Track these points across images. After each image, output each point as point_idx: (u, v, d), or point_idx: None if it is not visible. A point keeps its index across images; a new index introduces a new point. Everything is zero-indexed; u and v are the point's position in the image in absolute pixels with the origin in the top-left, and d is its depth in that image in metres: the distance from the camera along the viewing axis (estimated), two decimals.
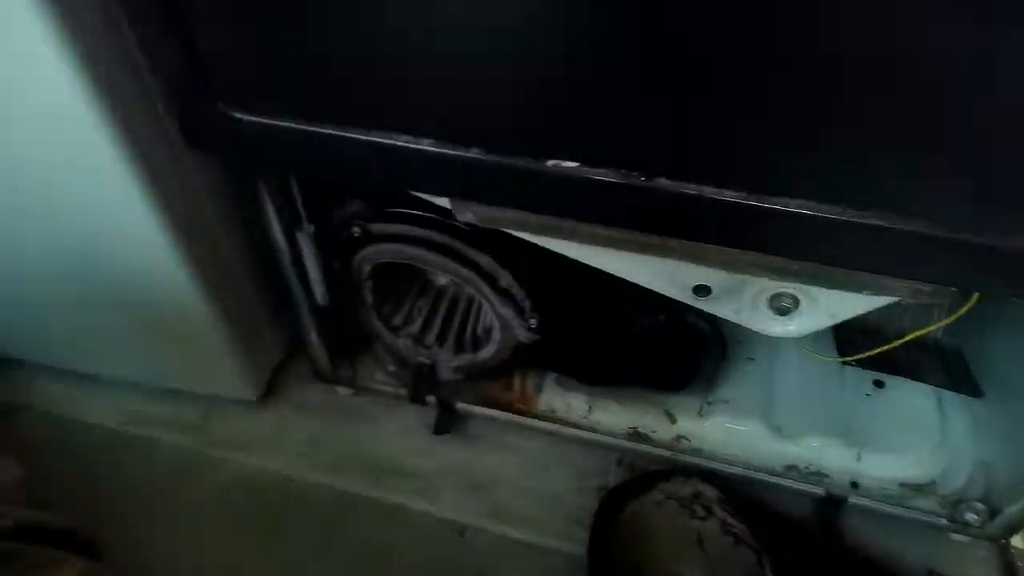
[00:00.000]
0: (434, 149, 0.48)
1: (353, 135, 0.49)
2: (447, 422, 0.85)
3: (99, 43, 0.52)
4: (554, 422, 0.85)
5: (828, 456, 0.80)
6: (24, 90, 0.54)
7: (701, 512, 0.76)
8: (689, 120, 0.44)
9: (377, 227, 0.70)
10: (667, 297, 0.73)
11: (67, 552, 0.65)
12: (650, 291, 0.72)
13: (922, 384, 0.82)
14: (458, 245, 0.69)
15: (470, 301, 0.82)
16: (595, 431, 0.84)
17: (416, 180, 0.52)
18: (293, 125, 0.50)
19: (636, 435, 0.84)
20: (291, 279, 0.73)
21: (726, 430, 0.82)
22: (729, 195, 0.46)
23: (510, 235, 0.61)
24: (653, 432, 0.84)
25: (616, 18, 0.40)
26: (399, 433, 0.88)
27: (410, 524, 0.81)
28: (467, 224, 0.58)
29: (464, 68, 0.44)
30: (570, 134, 0.45)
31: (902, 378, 0.82)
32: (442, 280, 0.84)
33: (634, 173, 0.46)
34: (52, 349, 0.88)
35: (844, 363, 0.85)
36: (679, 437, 0.83)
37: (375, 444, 0.87)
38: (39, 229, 0.68)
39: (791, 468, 0.80)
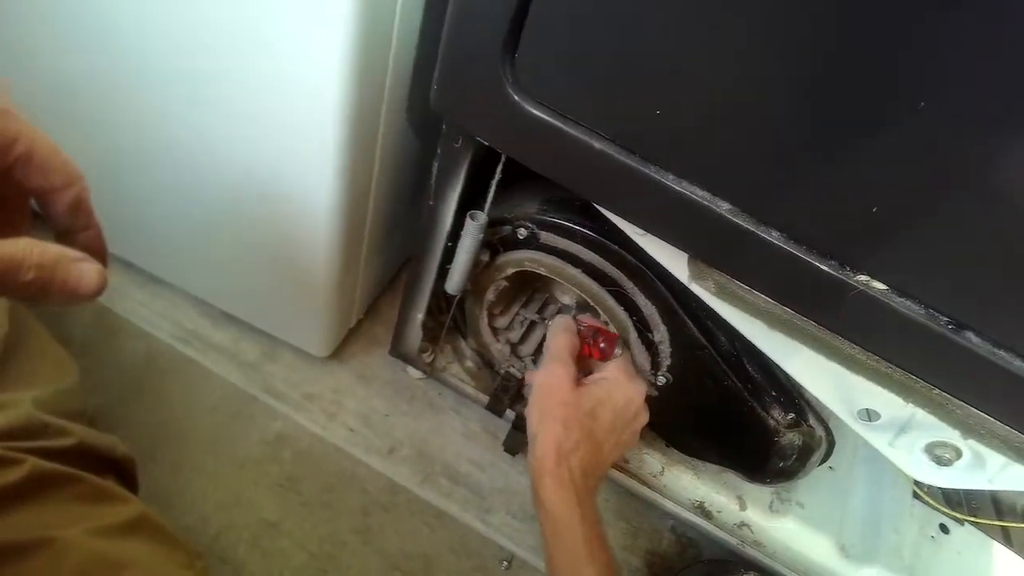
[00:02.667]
0: (727, 216, 0.43)
1: (645, 171, 0.44)
2: (519, 442, 0.80)
3: None
4: (623, 473, 0.81)
5: None
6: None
7: None
8: (1015, 287, 0.40)
9: (547, 236, 0.65)
10: (802, 398, 0.70)
11: (124, 487, 0.58)
12: (789, 388, 0.70)
13: (986, 539, 0.82)
14: (628, 285, 0.64)
15: None
16: (661, 493, 0.81)
17: (679, 232, 0.47)
18: (584, 136, 0.44)
19: (701, 509, 0.81)
20: (431, 257, 0.67)
21: (794, 533, 0.80)
22: (1017, 364, 0.42)
23: (685, 294, 0.56)
24: (719, 512, 0.81)
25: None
26: (461, 435, 0.83)
27: (455, 536, 0.76)
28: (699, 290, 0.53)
29: (818, 157, 0.39)
30: (897, 257, 0.41)
31: (968, 529, 0.82)
32: (566, 299, 0.79)
33: (943, 318, 0.42)
34: (122, 237, 0.79)
35: (916, 496, 0.85)
36: (743, 524, 0.81)
37: (434, 440, 0.82)
38: (212, 131, 0.61)
39: None
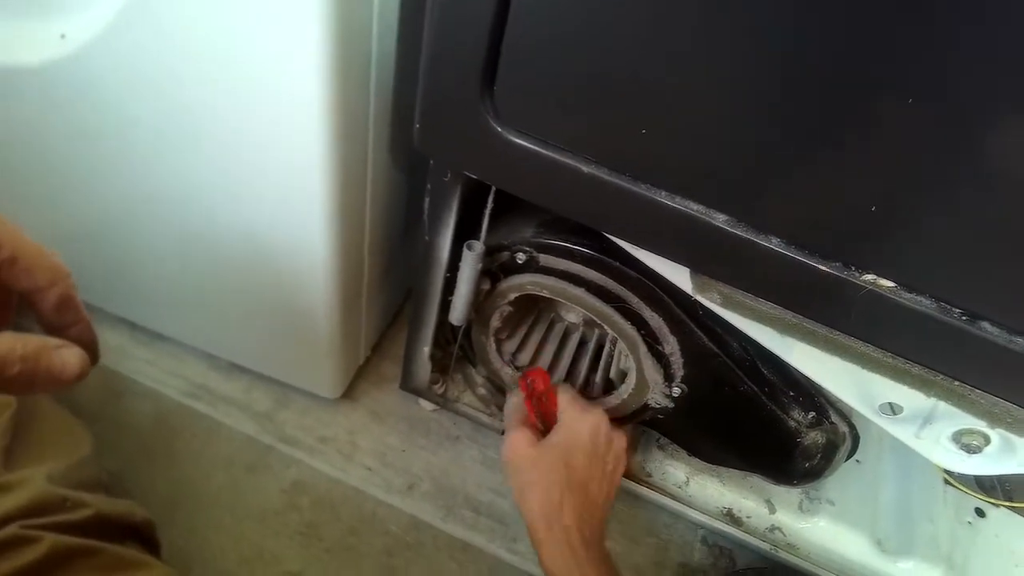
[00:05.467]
0: (724, 227, 0.42)
1: (636, 190, 0.43)
2: None
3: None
4: (647, 487, 0.80)
5: None
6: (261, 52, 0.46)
7: None
8: None
9: (546, 258, 0.64)
10: (820, 395, 0.69)
11: (147, 552, 0.58)
12: (806, 387, 0.68)
13: (1020, 521, 0.81)
14: (632, 299, 0.63)
15: (598, 347, 0.76)
16: (688, 504, 0.80)
17: (679, 249, 0.46)
18: (571, 161, 0.43)
19: (730, 516, 0.80)
20: (432, 291, 0.66)
21: (827, 532, 0.78)
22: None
23: (692, 303, 0.55)
24: (748, 517, 0.80)
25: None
26: (480, 463, 0.82)
27: (483, 569, 0.75)
28: (700, 299, 0.52)
29: (808, 161, 0.39)
30: (902, 253, 0.40)
31: (1004, 511, 0.81)
32: (571, 318, 0.78)
33: (956, 310, 0.41)
34: (123, 297, 0.79)
35: (947, 482, 0.83)
36: (774, 528, 0.79)
37: (453, 471, 0.81)
38: (201, 187, 0.61)
39: None
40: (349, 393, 0.84)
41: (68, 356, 0.29)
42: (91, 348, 0.32)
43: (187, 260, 0.69)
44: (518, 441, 0.64)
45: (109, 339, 0.82)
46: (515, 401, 0.70)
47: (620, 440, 0.67)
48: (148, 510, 0.61)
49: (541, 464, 0.61)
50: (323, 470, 0.78)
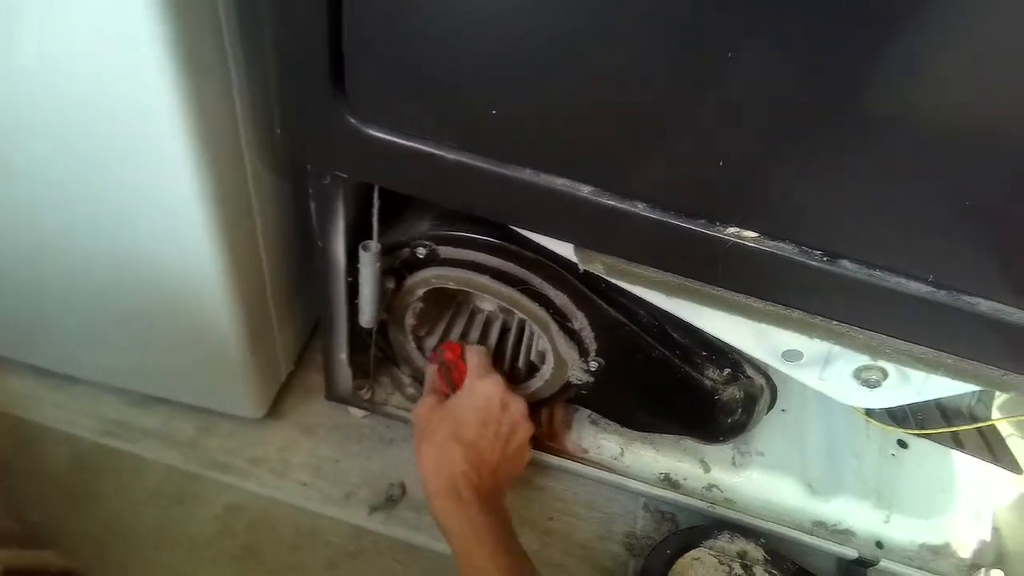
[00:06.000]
0: (591, 197, 0.43)
1: (500, 170, 0.43)
2: None
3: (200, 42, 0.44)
4: (584, 463, 0.81)
5: (857, 516, 0.79)
6: (104, 71, 0.45)
7: (739, 570, 0.74)
8: (884, 204, 0.40)
9: (446, 250, 0.64)
10: (733, 351, 0.71)
11: None
12: (718, 345, 0.70)
13: (943, 447, 0.84)
14: (535, 280, 0.64)
15: (519, 332, 0.77)
16: (626, 475, 0.81)
17: (554, 224, 0.46)
18: (435, 150, 0.43)
19: (668, 481, 0.81)
20: (336, 297, 0.66)
21: (760, 483, 0.80)
22: (894, 280, 0.43)
23: (594, 277, 0.56)
24: (685, 479, 0.81)
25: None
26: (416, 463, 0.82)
27: (429, 567, 0.74)
28: (584, 270, 0.53)
29: (658, 122, 0.39)
30: (760, 203, 0.41)
31: (924, 440, 0.84)
32: (488, 306, 0.78)
33: (816, 252, 0.42)
34: (25, 342, 0.76)
35: (868, 421, 0.86)
36: (711, 486, 0.81)
37: (390, 474, 0.80)
38: (83, 226, 0.59)
39: (819, 525, 0.80)
40: (275, 410, 0.82)
41: None
42: None
43: (84, 297, 0.67)
44: (422, 405, 0.68)
45: (14, 387, 0.79)
46: (429, 370, 0.73)
47: (517, 405, 0.68)
48: (76, 555, 0.60)
49: (436, 423, 0.65)
50: (256, 491, 0.76)
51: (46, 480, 0.73)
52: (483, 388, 0.67)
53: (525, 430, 0.68)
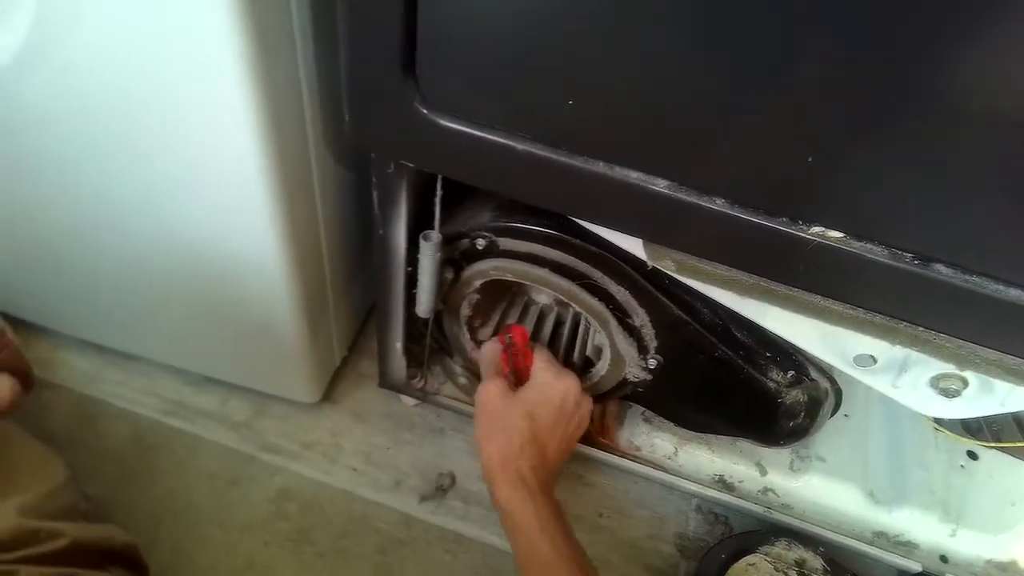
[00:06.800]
0: (667, 192, 0.41)
1: (572, 162, 0.42)
2: None
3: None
4: (636, 461, 0.79)
5: (921, 528, 0.76)
6: (173, 52, 0.45)
7: None
8: (984, 206, 0.38)
9: (505, 242, 0.63)
10: (798, 353, 0.68)
11: (127, 573, 0.57)
12: (783, 346, 0.68)
13: (1016, 460, 0.80)
14: (596, 275, 0.62)
15: (573, 326, 0.75)
16: (679, 475, 0.79)
17: (625, 219, 0.45)
18: (505, 140, 0.42)
19: (722, 483, 0.79)
20: (394, 286, 0.65)
21: (819, 489, 0.78)
22: (991, 287, 0.40)
23: (657, 273, 0.54)
24: (740, 482, 0.79)
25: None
26: (466, 453, 0.82)
27: (477, 558, 0.74)
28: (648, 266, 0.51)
29: (741, 114, 0.37)
30: (848, 202, 0.39)
31: (995, 452, 0.80)
32: (543, 299, 0.77)
33: (907, 255, 0.40)
34: (88, 321, 0.78)
35: (937, 429, 0.83)
36: (767, 490, 0.79)
37: (440, 464, 0.80)
38: (146, 206, 0.60)
39: (880, 535, 0.77)
40: (329, 395, 0.83)
41: None
42: (22, 374, 0.31)
43: (146, 278, 0.68)
44: (494, 388, 0.66)
45: (77, 364, 0.81)
46: (491, 349, 0.71)
47: (587, 405, 0.69)
48: (132, 531, 0.61)
49: (510, 413, 0.64)
50: (308, 475, 0.77)
51: (106, 456, 0.75)
52: (562, 386, 0.67)
53: (586, 426, 0.69)
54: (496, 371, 0.69)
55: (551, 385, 0.66)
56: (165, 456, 0.76)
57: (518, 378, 0.69)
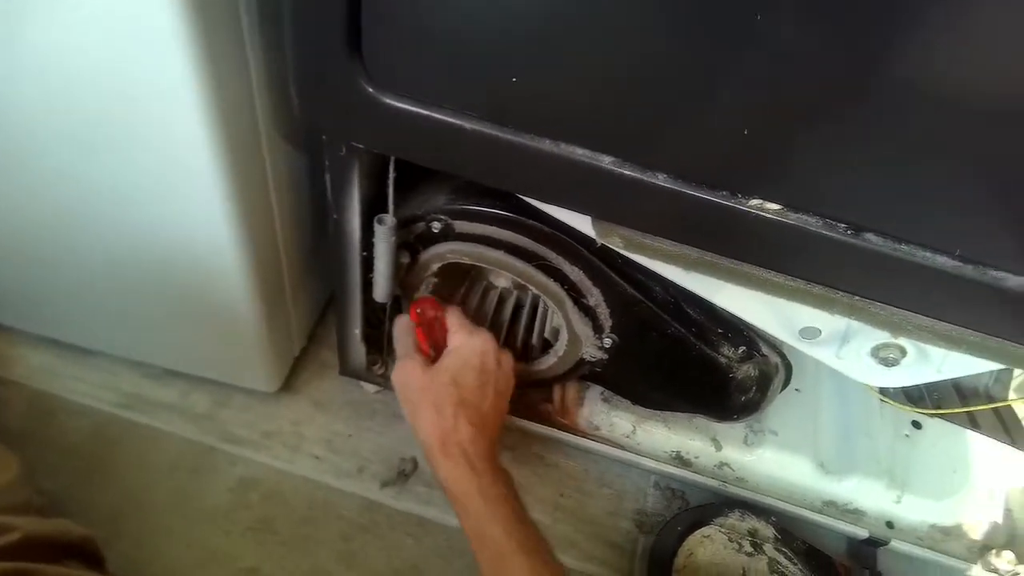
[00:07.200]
0: (612, 168, 0.43)
1: (520, 140, 0.43)
2: None
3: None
4: (596, 440, 0.81)
5: (868, 496, 0.79)
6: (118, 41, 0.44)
7: (749, 548, 0.74)
8: (911, 176, 0.40)
9: (461, 225, 0.64)
10: (749, 329, 0.70)
11: (89, 569, 0.57)
12: (734, 322, 0.70)
13: (958, 427, 0.84)
14: (551, 255, 0.63)
15: (532, 308, 0.76)
16: (638, 452, 0.81)
17: (572, 195, 0.46)
18: (453, 119, 0.43)
19: (679, 459, 0.81)
20: (351, 271, 0.66)
21: (772, 462, 0.80)
22: (920, 255, 0.42)
23: (610, 253, 0.56)
24: (696, 458, 0.81)
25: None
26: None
27: (440, 541, 0.75)
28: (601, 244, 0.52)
29: (681, 90, 0.39)
30: (783, 174, 0.41)
31: (938, 420, 0.84)
32: (502, 282, 0.78)
33: (840, 225, 0.42)
34: (43, 315, 0.76)
35: (882, 400, 0.86)
36: (722, 464, 0.81)
37: (403, 449, 0.81)
38: (97, 197, 0.59)
39: (830, 504, 0.80)
40: (290, 385, 0.83)
41: None
42: None
43: (101, 270, 0.67)
44: (410, 367, 0.64)
45: (32, 359, 0.80)
46: (402, 325, 0.69)
47: (507, 360, 0.67)
48: (94, 525, 0.60)
49: (433, 386, 0.62)
50: (270, 464, 0.77)
51: (64, 452, 0.74)
52: (477, 345, 0.65)
53: (513, 384, 0.68)
54: (413, 348, 0.67)
55: (467, 345, 0.65)
56: (125, 449, 0.75)
57: (436, 349, 0.67)
